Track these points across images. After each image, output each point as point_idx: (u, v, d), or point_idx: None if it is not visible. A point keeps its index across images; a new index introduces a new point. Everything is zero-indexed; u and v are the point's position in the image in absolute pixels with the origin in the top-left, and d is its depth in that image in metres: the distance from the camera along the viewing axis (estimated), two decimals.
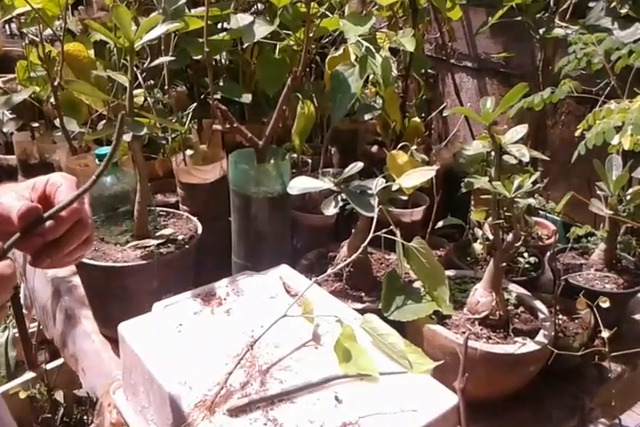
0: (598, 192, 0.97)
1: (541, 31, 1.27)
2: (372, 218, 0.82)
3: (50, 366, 1.73)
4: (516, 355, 0.78)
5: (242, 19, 1.13)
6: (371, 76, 1.10)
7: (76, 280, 1.18)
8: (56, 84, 1.18)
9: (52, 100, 1.22)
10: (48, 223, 0.54)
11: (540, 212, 1.27)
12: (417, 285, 0.88)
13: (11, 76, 1.52)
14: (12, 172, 1.43)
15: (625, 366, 0.97)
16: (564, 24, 1.23)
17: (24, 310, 1.73)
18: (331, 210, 0.88)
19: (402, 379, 0.67)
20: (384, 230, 0.81)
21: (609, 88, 1.04)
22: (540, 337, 0.81)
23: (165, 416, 0.66)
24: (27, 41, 1.31)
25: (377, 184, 0.88)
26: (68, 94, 1.25)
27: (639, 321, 1.08)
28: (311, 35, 1.03)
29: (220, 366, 0.68)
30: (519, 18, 1.29)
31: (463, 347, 0.72)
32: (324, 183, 0.89)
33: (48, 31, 1.22)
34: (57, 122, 1.24)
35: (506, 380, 0.82)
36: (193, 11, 1.13)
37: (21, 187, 0.59)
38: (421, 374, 0.68)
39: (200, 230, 1.03)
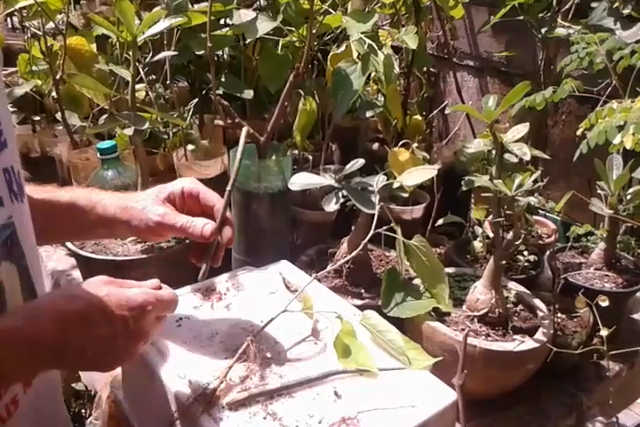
0: (599, 191, 0.97)
1: (543, 31, 1.27)
2: (373, 215, 0.83)
3: None
4: (514, 353, 0.78)
5: (245, 14, 1.13)
6: (372, 74, 1.10)
7: (76, 274, 1.18)
8: (58, 77, 1.18)
9: (54, 93, 1.22)
10: (229, 232, 0.69)
11: (540, 211, 1.27)
12: (417, 282, 0.88)
13: (12, 69, 1.52)
14: None
15: (623, 364, 0.98)
16: (566, 24, 1.23)
17: None
18: (331, 206, 0.88)
19: (401, 375, 0.68)
20: (384, 228, 0.81)
21: (610, 88, 1.05)
22: (538, 335, 0.81)
23: (165, 410, 0.66)
24: (29, 34, 1.31)
25: (378, 181, 0.88)
26: (70, 88, 1.25)
27: (638, 320, 1.09)
28: (314, 31, 1.04)
29: (219, 360, 0.68)
30: (521, 17, 1.28)
31: (462, 344, 0.72)
32: (325, 180, 0.89)
33: (50, 25, 1.22)
34: (58, 116, 1.24)
35: (504, 377, 0.83)
36: (196, 6, 1.13)
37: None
38: (420, 371, 0.68)
39: None
